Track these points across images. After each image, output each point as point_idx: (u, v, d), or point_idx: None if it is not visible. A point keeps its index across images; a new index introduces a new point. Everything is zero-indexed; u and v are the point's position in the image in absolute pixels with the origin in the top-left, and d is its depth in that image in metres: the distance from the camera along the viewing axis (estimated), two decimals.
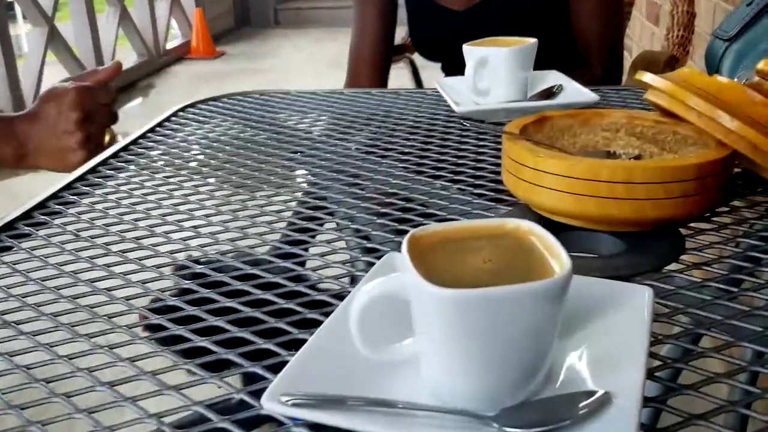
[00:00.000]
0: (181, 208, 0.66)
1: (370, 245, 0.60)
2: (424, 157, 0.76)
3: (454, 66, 1.36)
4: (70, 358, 0.44)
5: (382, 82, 1.36)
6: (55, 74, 4.31)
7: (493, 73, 0.85)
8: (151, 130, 0.91)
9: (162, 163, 0.81)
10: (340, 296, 0.47)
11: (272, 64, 5.41)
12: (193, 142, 0.87)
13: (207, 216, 0.65)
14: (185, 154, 0.83)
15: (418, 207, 0.64)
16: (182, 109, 0.98)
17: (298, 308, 0.49)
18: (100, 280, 0.54)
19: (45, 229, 0.64)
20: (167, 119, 0.95)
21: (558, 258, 0.35)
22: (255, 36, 6.53)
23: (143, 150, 0.84)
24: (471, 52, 0.86)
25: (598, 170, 0.53)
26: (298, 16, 7.02)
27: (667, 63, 1.60)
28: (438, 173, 0.71)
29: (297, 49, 5.98)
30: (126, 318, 0.50)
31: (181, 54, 5.34)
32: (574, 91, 0.88)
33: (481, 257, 0.36)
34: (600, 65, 1.28)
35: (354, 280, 0.54)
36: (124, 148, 0.85)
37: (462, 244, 0.37)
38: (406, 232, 0.58)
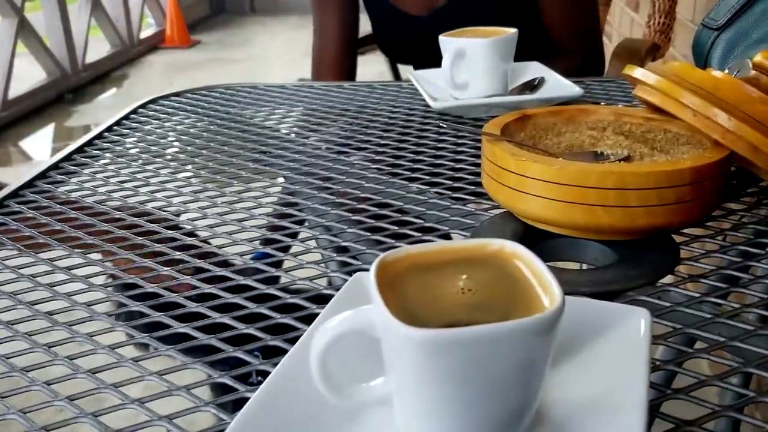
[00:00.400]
0: (149, 205, 0.61)
1: (344, 244, 0.56)
2: (399, 157, 0.71)
3: (426, 67, 1.33)
4: (50, 347, 0.44)
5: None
6: (26, 66, 4.20)
7: (472, 66, 0.81)
8: (116, 123, 0.86)
9: (126, 160, 0.76)
10: (316, 299, 0.46)
11: (248, 53, 5.32)
12: (153, 141, 0.81)
13: (176, 212, 0.60)
14: (152, 147, 0.78)
15: (393, 214, 0.59)
16: (144, 105, 0.92)
17: (270, 313, 0.45)
18: (76, 267, 0.53)
19: (19, 217, 0.63)
20: (128, 115, 0.89)
21: (547, 288, 0.31)
22: (231, 23, 6.41)
23: (94, 154, 0.79)
24: (448, 43, 0.81)
25: (587, 176, 0.48)
26: (274, 2, 6.90)
27: (648, 51, 1.56)
28: (414, 175, 0.67)
29: (273, 36, 5.89)
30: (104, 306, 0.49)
31: (156, 43, 5.23)
32: (557, 84, 0.84)
33: (458, 286, 0.32)
34: (578, 54, 1.23)
35: (331, 283, 0.51)
36: (82, 148, 0.79)
37: (438, 271, 0.32)
38: (380, 243, 0.54)
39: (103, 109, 4.11)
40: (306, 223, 0.62)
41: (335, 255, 0.55)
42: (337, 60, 1.31)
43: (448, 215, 0.58)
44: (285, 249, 0.57)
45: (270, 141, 0.79)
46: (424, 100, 0.84)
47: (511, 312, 0.30)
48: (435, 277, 0.32)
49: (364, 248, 0.54)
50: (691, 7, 1.97)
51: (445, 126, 0.69)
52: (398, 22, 1.26)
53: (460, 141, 0.75)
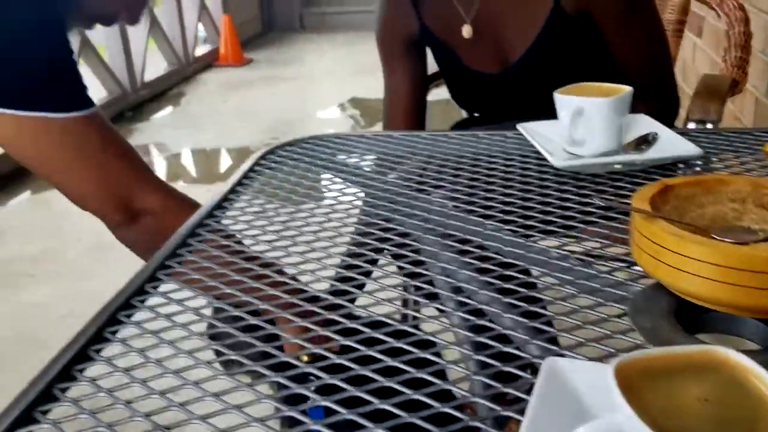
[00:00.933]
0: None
1: (481, 307, 0.59)
2: (528, 217, 0.74)
3: (493, 116, 1.38)
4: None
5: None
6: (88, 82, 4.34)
7: (590, 123, 0.83)
8: (244, 177, 0.90)
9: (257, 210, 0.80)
10: None
11: (299, 71, 5.41)
12: (285, 193, 0.85)
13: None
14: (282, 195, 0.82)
15: (534, 280, 0.62)
16: (263, 156, 0.96)
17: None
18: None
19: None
20: (251, 168, 0.93)
21: None
22: (281, 41, 6.53)
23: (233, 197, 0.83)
24: (565, 101, 0.84)
25: (752, 260, 0.50)
26: (322, 20, 7.01)
27: (729, 88, 1.56)
28: (545, 237, 0.69)
29: (322, 53, 5.98)
30: None
31: (210, 61, 5.35)
32: (672, 141, 0.86)
33: (694, 395, 0.34)
34: (655, 98, 1.24)
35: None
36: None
37: (670, 377, 0.35)
38: (515, 306, 0.56)
39: (161, 128, 4.22)
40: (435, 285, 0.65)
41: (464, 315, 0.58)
42: (406, 117, 1.37)
43: (598, 285, 0.60)
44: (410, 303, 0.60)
45: (398, 198, 0.82)
46: (535, 151, 0.87)
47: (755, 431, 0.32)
48: (669, 384, 0.35)
49: (500, 311, 0.57)
50: (761, 37, 1.96)
51: (599, 201, 0.71)
52: (471, 80, 1.30)
53: (584, 199, 0.77)
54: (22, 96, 0.83)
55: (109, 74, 4.06)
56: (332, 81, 5.08)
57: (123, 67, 4.22)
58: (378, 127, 4.00)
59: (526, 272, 0.65)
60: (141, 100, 4.41)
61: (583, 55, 1.22)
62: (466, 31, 1.24)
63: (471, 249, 0.68)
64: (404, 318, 0.67)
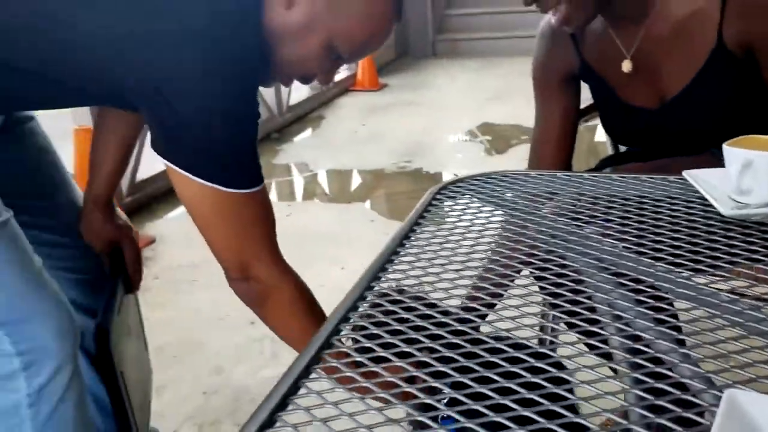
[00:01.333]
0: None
1: (658, 356, 0.65)
2: (697, 261, 0.80)
3: (652, 152, 1.40)
4: None
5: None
6: None
7: (757, 174, 0.88)
8: (427, 207, 1.01)
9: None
10: None
11: (431, 96, 5.56)
12: (460, 233, 0.96)
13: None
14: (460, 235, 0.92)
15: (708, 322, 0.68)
16: (439, 191, 1.07)
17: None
18: None
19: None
20: (429, 202, 1.04)
21: None
22: (414, 67, 6.74)
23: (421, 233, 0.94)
24: (734, 153, 0.89)
25: None
26: (454, 46, 7.17)
27: None
28: (714, 281, 0.75)
29: (454, 80, 6.12)
30: None
31: (348, 86, 5.62)
32: None
33: None
34: None
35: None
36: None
37: None
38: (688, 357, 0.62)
39: (302, 148, 4.49)
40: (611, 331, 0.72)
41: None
42: (555, 148, 1.42)
43: (767, 328, 0.66)
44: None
45: (570, 237, 0.90)
46: (700, 197, 0.92)
47: None
48: None
49: (676, 362, 0.63)
50: None
51: None
52: (627, 115, 1.33)
53: (751, 247, 0.82)
54: (208, 167, 0.97)
55: (261, 99, 4.37)
56: (463, 106, 5.20)
57: (272, 92, 4.54)
58: (509, 153, 4.07)
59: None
60: (286, 123, 4.71)
61: (743, 93, 1.23)
62: (626, 66, 1.28)
63: (644, 288, 0.75)
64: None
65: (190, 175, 0.98)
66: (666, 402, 0.56)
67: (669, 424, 0.54)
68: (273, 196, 3.70)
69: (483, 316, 0.74)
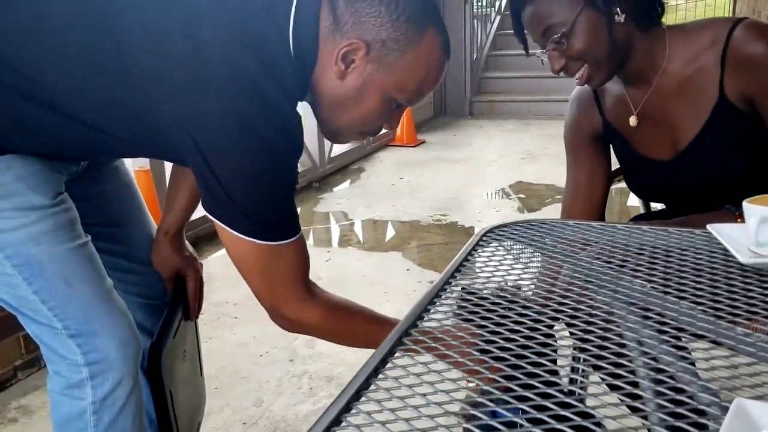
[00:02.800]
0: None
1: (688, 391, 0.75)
2: (717, 301, 0.90)
3: (676, 205, 1.50)
4: None
5: None
6: None
7: None
8: (467, 255, 1.13)
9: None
10: None
11: (468, 154, 5.72)
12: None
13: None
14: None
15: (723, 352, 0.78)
16: (484, 235, 1.19)
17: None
18: None
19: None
20: (473, 248, 1.16)
21: None
22: (451, 125, 6.93)
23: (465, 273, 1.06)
24: (752, 209, 1.00)
25: None
26: (491, 107, 7.37)
27: None
28: (734, 319, 0.85)
29: (490, 139, 6.28)
30: None
31: (387, 142, 5.82)
32: None
33: None
34: None
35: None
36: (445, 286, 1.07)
37: None
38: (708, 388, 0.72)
39: (341, 198, 4.65)
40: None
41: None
42: (585, 207, 1.52)
43: None
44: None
45: (603, 277, 1.01)
46: (723, 248, 1.03)
47: None
48: None
49: (693, 380, 0.73)
50: None
51: None
52: (645, 168, 1.44)
53: (766, 292, 0.92)
54: (249, 226, 1.10)
55: (304, 150, 4.57)
56: (498, 164, 5.34)
57: (316, 144, 4.74)
58: (542, 211, 4.17)
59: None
60: (327, 173, 4.90)
61: (752, 142, 1.32)
62: (632, 121, 1.41)
63: (668, 321, 0.85)
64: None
65: (233, 231, 1.11)
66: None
67: None
68: (310, 241, 3.84)
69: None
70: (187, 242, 1.56)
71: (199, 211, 1.27)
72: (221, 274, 3.33)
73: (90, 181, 1.37)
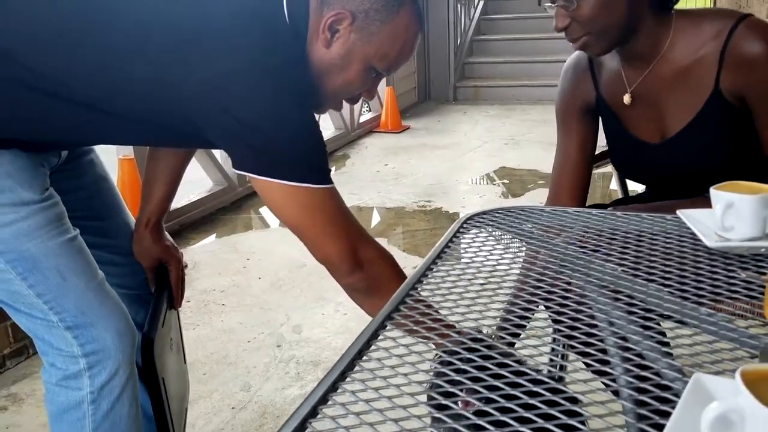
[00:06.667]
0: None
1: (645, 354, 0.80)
2: (684, 283, 0.95)
3: (657, 188, 1.53)
4: None
5: (581, 203, 1.56)
6: None
7: (739, 214, 1.03)
8: (448, 242, 1.17)
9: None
10: None
11: (452, 139, 5.75)
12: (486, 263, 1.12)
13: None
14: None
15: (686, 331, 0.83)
16: (471, 218, 1.23)
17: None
18: None
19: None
20: (456, 232, 1.20)
21: None
22: (435, 111, 6.96)
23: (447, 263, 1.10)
24: (718, 196, 1.05)
25: None
26: (475, 92, 7.40)
27: None
28: (700, 300, 0.90)
29: (474, 125, 6.31)
30: None
31: (372, 128, 5.84)
32: None
33: None
34: None
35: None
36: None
37: None
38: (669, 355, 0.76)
39: None
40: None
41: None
42: (574, 177, 1.56)
43: (736, 335, 0.80)
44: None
45: (577, 261, 1.05)
46: (691, 232, 1.07)
47: None
48: None
49: (659, 357, 0.78)
50: None
51: (743, 275, 0.92)
52: (632, 148, 1.47)
53: (730, 275, 0.97)
54: (292, 170, 1.11)
55: None
56: (482, 150, 5.38)
57: None
58: (525, 196, 4.23)
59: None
60: None
61: (739, 137, 1.36)
62: (626, 98, 1.42)
63: (637, 303, 0.90)
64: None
65: (274, 179, 1.10)
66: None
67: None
68: None
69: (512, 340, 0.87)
70: (166, 232, 1.58)
71: (181, 200, 1.28)
72: (207, 262, 3.35)
73: (68, 175, 1.38)
